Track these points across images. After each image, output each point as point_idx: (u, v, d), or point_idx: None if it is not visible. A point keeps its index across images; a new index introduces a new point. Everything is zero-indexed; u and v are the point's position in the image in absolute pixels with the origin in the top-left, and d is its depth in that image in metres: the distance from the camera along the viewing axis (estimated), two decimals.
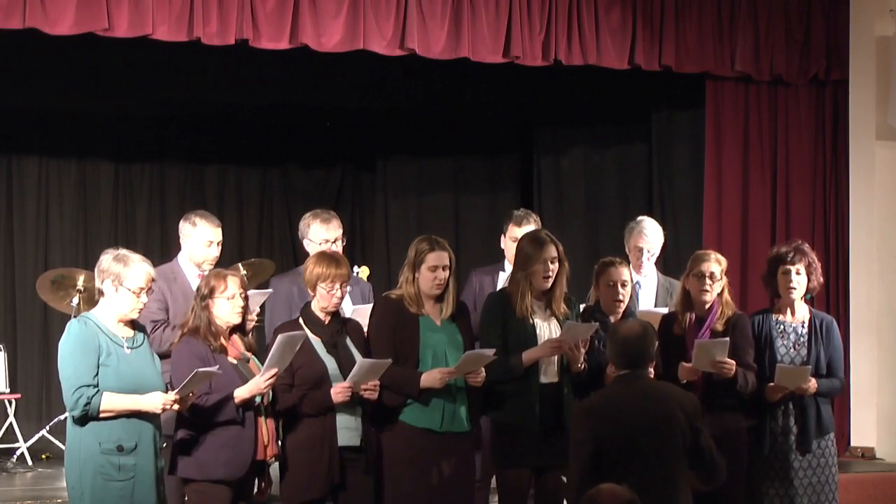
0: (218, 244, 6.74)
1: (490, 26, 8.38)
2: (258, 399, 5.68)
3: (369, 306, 6.49)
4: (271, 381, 5.62)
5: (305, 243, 6.82)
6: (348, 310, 6.37)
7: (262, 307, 6.63)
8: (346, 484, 5.84)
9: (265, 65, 8.77)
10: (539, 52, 8.52)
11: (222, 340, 5.72)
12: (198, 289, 5.82)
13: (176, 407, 5.49)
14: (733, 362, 6.25)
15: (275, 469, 5.94)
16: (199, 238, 6.70)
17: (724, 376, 6.25)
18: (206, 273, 6.55)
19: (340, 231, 6.81)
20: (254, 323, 6.39)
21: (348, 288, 5.99)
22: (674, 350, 6.39)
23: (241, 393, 5.60)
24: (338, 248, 6.67)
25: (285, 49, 8.03)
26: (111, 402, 5.41)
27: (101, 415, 5.41)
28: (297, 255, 10.55)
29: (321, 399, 5.78)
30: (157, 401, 5.46)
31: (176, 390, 5.48)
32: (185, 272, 6.66)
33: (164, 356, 5.83)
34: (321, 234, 6.75)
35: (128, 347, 5.53)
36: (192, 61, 8.73)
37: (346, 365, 5.82)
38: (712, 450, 5.24)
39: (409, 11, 8.19)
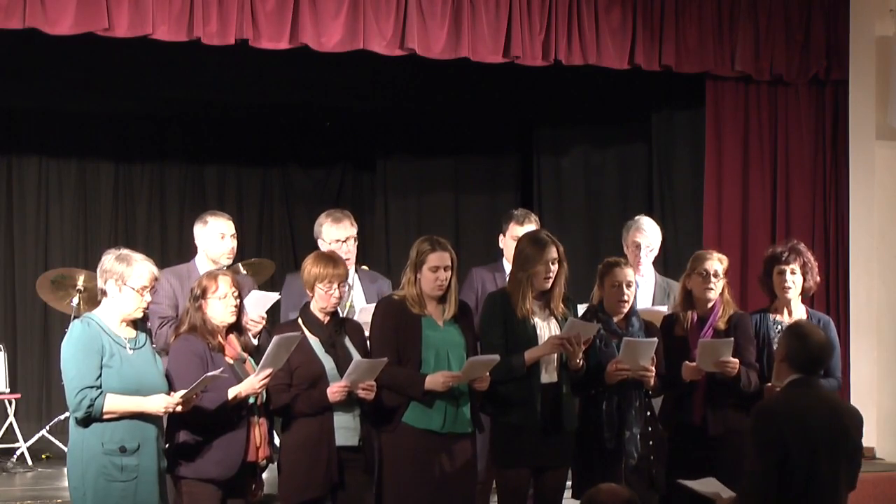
0: (232, 236, 6.83)
1: (490, 26, 8.37)
2: (252, 400, 5.68)
3: (371, 306, 6.52)
4: (265, 381, 5.63)
5: (319, 243, 6.88)
6: (359, 307, 6.38)
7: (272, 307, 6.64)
8: (345, 484, 5.84)
9: (265, 65, 8.76)
10: (539, 52, 8.51)
11: (220, 339, 5.73)
12: (191, 290, 5.84)
13: (179, 409, 5.49)
14: (737, 361, 6.26)
15: (273, 469, 5.94)
16: (212, 233, 6.78)
17: (728, 375, 6.25)
18: (223, 268, 6.63)
19: (354, 230, 6.86)
20: (262, 325, 6.40)
21: (345, 287, 5.99)
22: (676, 350, 6.40)
23: (234, 391, 5.60)
24: (350, 247, 6.74)
25: (285, 49, 8.02)
26: (114, 403, 5.41)
27: (105, 416, 5.41)
28: (297, 255, 10.57)
29: (318, 398, 5.78)
30: (160, 403, 5.47)
31: (180, 392, 5.48)
32: (201, 272, 6.66)
33: (164, 352, 5.88)
34: (332, 233, 6.82)
35: (130, 348, 5.54)
36: (192, 61, 8.73)
37: (344, 365, 5.82)
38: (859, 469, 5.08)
39: (409, 11, 8.18)
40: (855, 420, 5.02)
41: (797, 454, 4.81)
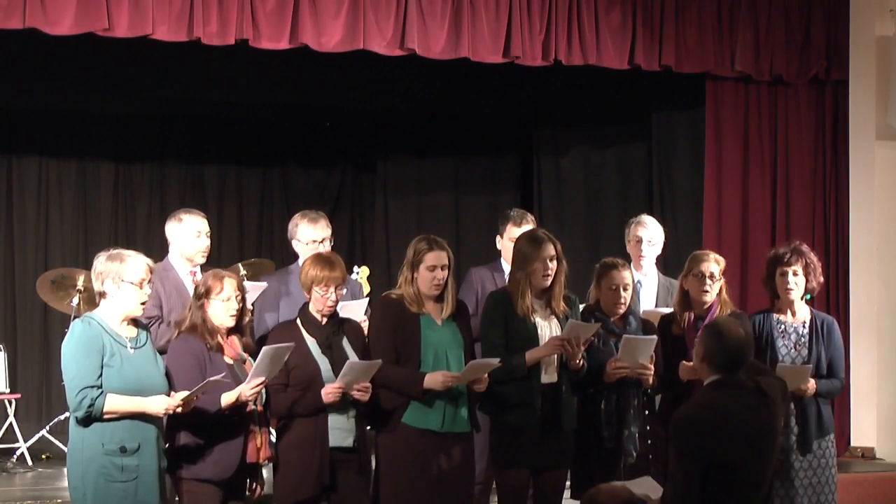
0: (207, 234, 6.78)
1: (490, 26, 8.38)
2: (252, 405, 5.67)
3: (358, 302, 6.54)
4: (256, 390, 5.61)
5: (294, 244, 6.89)
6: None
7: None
8: (338, 485, 5.82)
9: (265, 65, 8.77)
10: (539, 52, 8.52)
11: (219, 339, 5.72)
12: (195, 288, 5.83)
13: (179, 410, 5.48)
14: None
15: (269, 470, 5.94)
16: (188, 230, 6.73)
17: None
18: (199, 266, 6.65)
19: (329, 231, 6.87)
20: (247, 318, 6.41)
21: (343, 291, 5.99)
22: (674, 349, 6.40)
23: (226, 399, 5.57)
24: (326, 248, 6.71)
25: (285, 49, 8.03)
26: (115, 403, 5.40)
27: (105, 416, 5.40)
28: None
29: (313, 399, 5.77)
30: (161, 404, 5.45)
31: (180, 394, 5.47)
32: (177, 269, 6.69)
33: (160, 352, 5.84)
34: (309, 234, 6.80)
35: (131, 347, 5.53)
36: (192, 61, 8.73)
37: (339, 366, 5.80)
38: None
39: (409, 11, 8.19)
40: (781, 409, 4.86)
41: (720, 459, 4.64)
